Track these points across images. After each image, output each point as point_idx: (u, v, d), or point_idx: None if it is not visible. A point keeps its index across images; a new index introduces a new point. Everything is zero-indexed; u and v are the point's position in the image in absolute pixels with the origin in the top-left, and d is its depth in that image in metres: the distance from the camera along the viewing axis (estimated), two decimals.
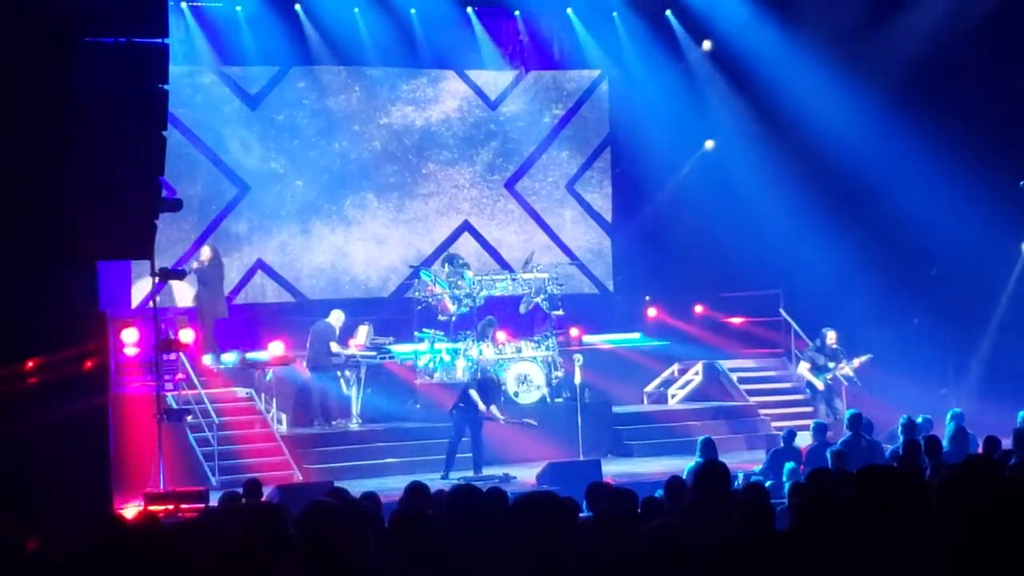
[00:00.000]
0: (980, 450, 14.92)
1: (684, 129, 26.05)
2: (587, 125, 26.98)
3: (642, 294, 26.69)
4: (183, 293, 22.20)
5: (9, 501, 12.42)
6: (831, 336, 22.61)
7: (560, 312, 23.37)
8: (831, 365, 22.31)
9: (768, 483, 13.95)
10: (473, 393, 20.04)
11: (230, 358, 21.99)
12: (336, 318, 21.94)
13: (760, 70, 24.57)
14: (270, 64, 24.48)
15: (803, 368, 22.76)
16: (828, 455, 14.89)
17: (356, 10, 24.44)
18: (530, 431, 21.00)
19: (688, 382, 24.62)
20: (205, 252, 22.11)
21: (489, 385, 20.34)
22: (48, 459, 12.75)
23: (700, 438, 15.87)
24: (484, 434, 20.26)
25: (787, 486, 12.67)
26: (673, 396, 24.53)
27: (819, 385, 22.41)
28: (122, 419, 18.10)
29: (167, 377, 18.77)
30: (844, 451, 14.92)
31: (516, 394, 22.05)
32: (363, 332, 22.26)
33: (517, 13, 25.77)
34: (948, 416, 16.99)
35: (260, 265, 24.58)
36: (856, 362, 22.26)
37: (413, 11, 24.78)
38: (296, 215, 24.75)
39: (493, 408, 20.06)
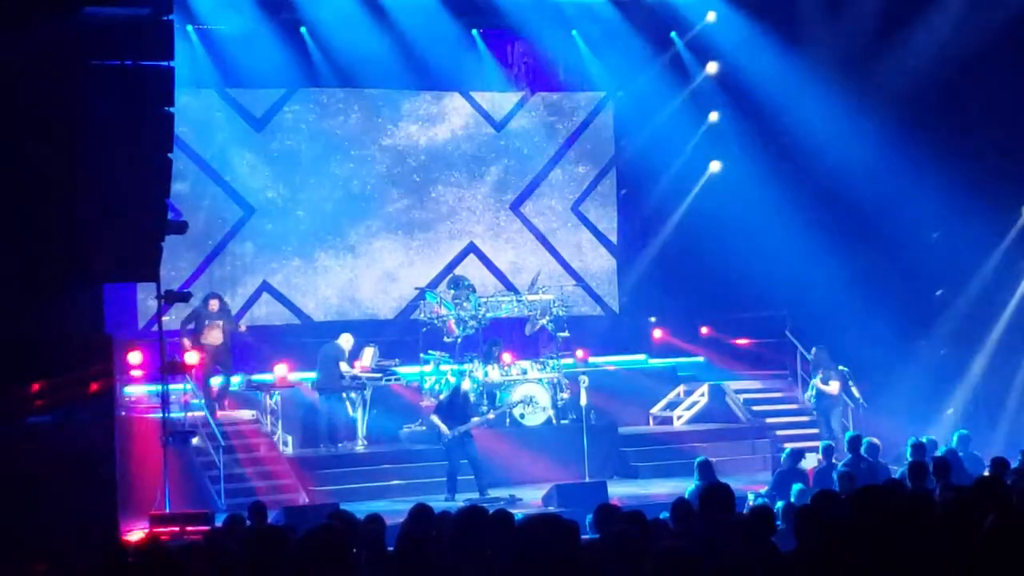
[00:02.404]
0: (987, 471, 14.89)
1: (689, 151, 26.08)
2: (592, 146, 26.99)
3: (648, 315, 26.67)
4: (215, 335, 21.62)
5: (15, 523, 12.41)
6: (812, 353, 22.80)
7: (566, 333, 23.36)
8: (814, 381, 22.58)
9: (778, 504, 13.95)
10: (435, 419, 20.09)
11: (235, 380, 21.99)
12: (346, 340, 21.96)
13: (765, 92, 24.59)
14: (275, 86, 24.52)
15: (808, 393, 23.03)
16: (835, 477, 14.90)
17: (361, 32, 24.46)
18: (537, 452, 21.05)
19: (694, 403, 24.59)
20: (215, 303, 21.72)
21: (456, 398, 20.30)
22: (54, 481, 12.74)
23: (697, 459, 15.86)
24: (489, 454, 20.29)
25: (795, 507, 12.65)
26: (679, 417, 24.49)
27: (806, 401, 23.11)
28: (128, 441, 18.10)
29: (173, 399, 18.81)
30: (852, 473, 14.91)
31: (522, 415, 22.04)
32: (369, 354, 22.27)
33: (522, 35, 25.79)
34: (955, 437, 16.97)
35: (265, 287, 24.58)
36: (833, 385, 22.38)
37: (418, 34, 24.80)
38: (301, 237, 24.76)
39: (463, 425, 19.98)
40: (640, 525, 9.37)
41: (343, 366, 21.66)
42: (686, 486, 16.04)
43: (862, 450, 16.57)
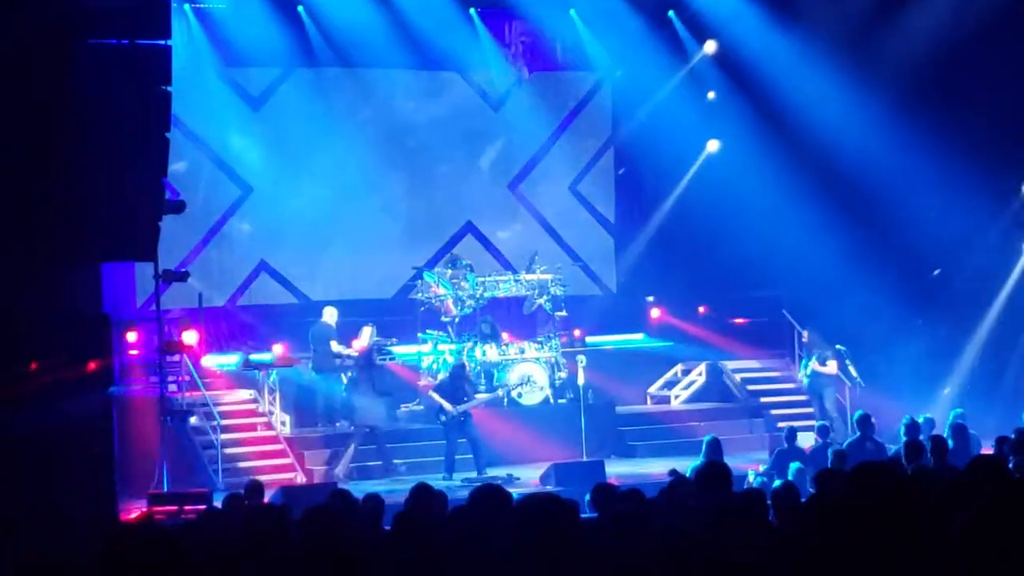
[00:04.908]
0: (986, 450, 14.93)
1: (687, 130, 26.05)
2: (590, 126, 26.95)
3: (645, 295, 26.67)
4: None
5: (13, 502, 12.43)
6: (804, 335, 23.06)
7: (563, 313, 23.37)
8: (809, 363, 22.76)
9: (776, 483, 13.97)
10: (435, 396, 20.13)
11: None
12: (330, 315, 21.94)
13: (764, 71, 24.55)
14: (272, 66, 24.47)
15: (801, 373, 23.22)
16: (829, 455, 14.94)
17: (359, 12, 24.42)
18: (535, 432, 21.08)
19: (691, 383, 24.61)
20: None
21: (457, 378, 20.34)
22: (52, 461, 12.76)
23: (706, 438, 15.85)
24: (487, 433, 20.34)
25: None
26: (676, 397, 24.52)
27: (800, 380, 23.44)
28: (126, 421, 18.11)
29: (171, 378, 18.82)
30: (846, 451, 14.96)
31: (520, 395, 22.06)
32: (366, 333, 22.26)
33: (519, 14, 25.72)
34: (951, 416, 16.99)
35: (263, 267, 24.57)
36: (830, 366, 22.49)
37: (416, 13, 24.75)
38: (299, 216, 24.68)
39: (464, 403, 20.03)
40: (637, 503, 9.40)
41: (335, 345, 21.64)
42: (683, 465, 16.07)
43: (868, 430, 16.61)
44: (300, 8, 24.06)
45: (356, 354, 21.69)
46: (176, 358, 19.22)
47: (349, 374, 21.76)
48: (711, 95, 26.05)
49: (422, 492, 9.70)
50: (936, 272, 24.42)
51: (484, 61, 25.83)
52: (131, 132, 12.90)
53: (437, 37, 24.93)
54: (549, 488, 17.76)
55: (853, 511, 6.31)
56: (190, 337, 20.21)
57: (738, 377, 24.50)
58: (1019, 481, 8.97)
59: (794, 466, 15.11)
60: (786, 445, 17.13)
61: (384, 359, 22.13)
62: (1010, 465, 12.51)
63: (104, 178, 12.80)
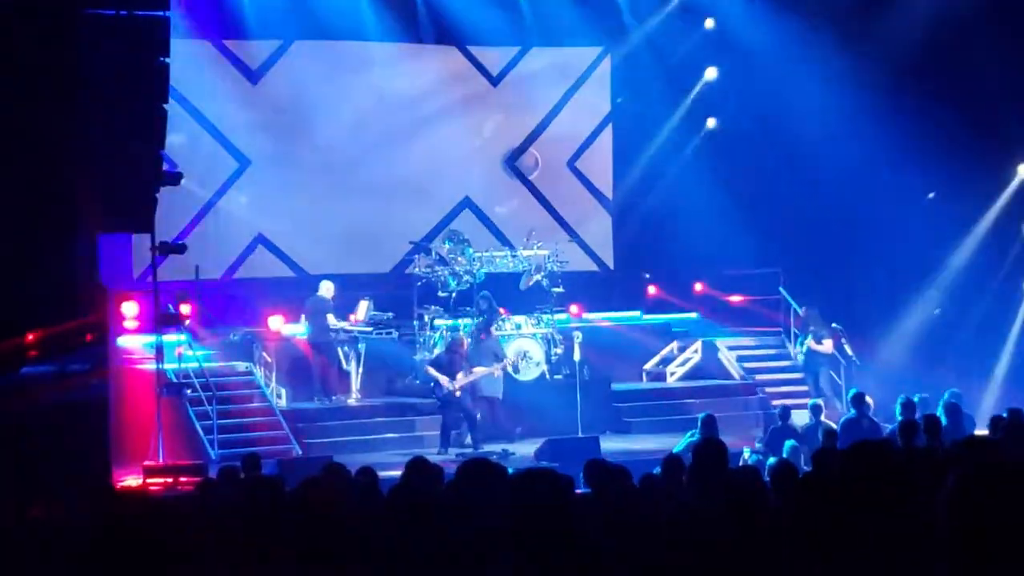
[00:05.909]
0: (979, 430, 14.97)
1: (686, 108, 26.07)
2: (589, 102, 26.91)
3: (642, 271, 26.66)
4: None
5: (9, 471, 12.45)
6: (803, 312, 23.19)
7: (560, 289, 23.36)
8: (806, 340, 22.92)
9: (770, 460, 14.02)
10: (431, 371, 20.11)
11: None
12: (327, 289, 21.92)
13: (761, 50, 24.55)
14: (271, 38, 24.43)
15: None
16: (819, 433, 15.02)
17: None
18: (531, 407, 21.09)
19: (687, 360, 24.63)
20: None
21: (453, 353, 20.32)
22: (48, 432, 12.78)
23: (701, 415, 15.86)
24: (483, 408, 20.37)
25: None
26: (672, 374, 24.54)
27: (796, 358, 23.70)
28: (122, 392, 18.12)
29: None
30: (837, 430, 15.01)
31: (516, 370, 22.07)
32: (363, 307, 22.27)
33: None
34: (945, 396, 17.02)
35: (260, 239, 24.56)
36: (826, 344, 22.54)
37: None
38: (296, 190, 24.69)
39: (459, 376, 19.99)
40: (628, 479, 9.42)
41: (331, 319, 21.64)
42: (678, 442, 16.09)
43: (864, 407, 16.65)
44: None
45: (353, 328, 21.73)
46: (173, 330, 19.24)
47: (345, 347, 21.76)
48: (710, 73, 26.05)
49: (418, 465, 9.72)
50: (930, 195, 24.40)
51: (484, 36, 25.73)
52: (129, 104, 12.89)
53: (437, 11, 24.91)
54: (544, 464, 17.77)
55: (848, 489, 6.33)
56: (187, 309, 20.23)
57: (734, 355, 24.52)
58: (1006, 459, 9.00)
59: (788, 444, 15.16)
60: (780, 423, 17.18)
61: (379, 333, 22.11)
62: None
63: (102, 149, 12.79)
